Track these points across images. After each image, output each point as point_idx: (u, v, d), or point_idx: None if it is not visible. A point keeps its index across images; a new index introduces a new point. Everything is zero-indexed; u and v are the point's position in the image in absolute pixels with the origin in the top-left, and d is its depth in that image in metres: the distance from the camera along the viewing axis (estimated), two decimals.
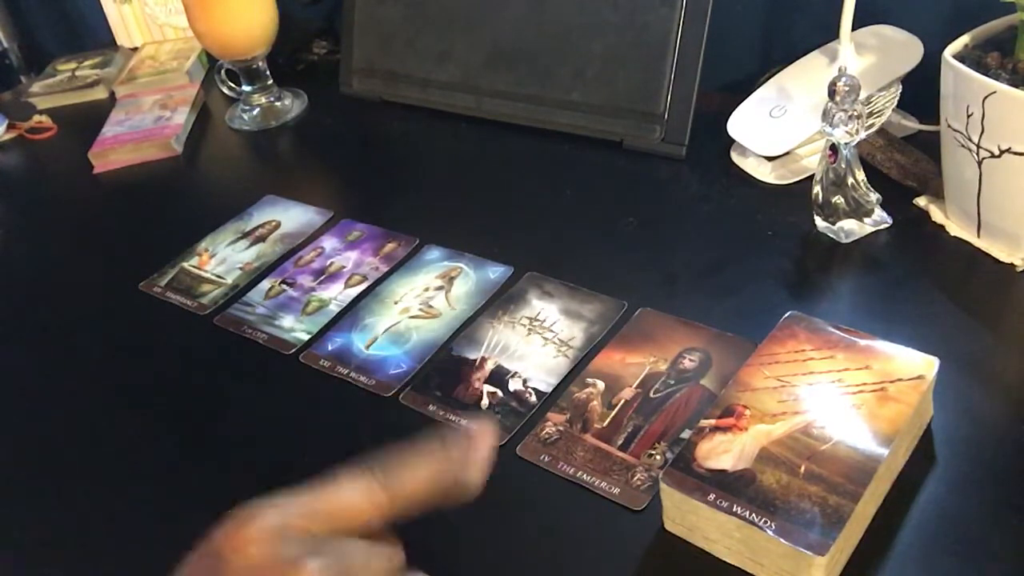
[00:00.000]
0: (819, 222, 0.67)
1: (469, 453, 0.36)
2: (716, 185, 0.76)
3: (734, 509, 0.44)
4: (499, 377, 0.60)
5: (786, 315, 0.54)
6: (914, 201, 0.68)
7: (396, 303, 0.69)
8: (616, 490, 0.51)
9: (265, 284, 0.74)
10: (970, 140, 0.58)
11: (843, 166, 0.63)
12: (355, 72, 0.99)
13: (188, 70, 1.11)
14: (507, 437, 0.55)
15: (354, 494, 0.35)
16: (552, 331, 0.63)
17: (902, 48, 0.73)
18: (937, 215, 0.66)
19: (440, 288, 0.69)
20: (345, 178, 0.91)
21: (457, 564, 0.48)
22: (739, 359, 0.54)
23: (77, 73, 1.17)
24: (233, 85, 1.00)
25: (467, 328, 0.65)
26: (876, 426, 0.46)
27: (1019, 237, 0.60)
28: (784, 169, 0.74)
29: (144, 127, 0.99)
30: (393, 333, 0.66)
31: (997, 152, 0.57)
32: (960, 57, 0.59)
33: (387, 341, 0.65)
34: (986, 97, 0.55)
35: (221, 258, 0.78)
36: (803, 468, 0.45)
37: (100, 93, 1.13)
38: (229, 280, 0.75)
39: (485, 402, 0.58)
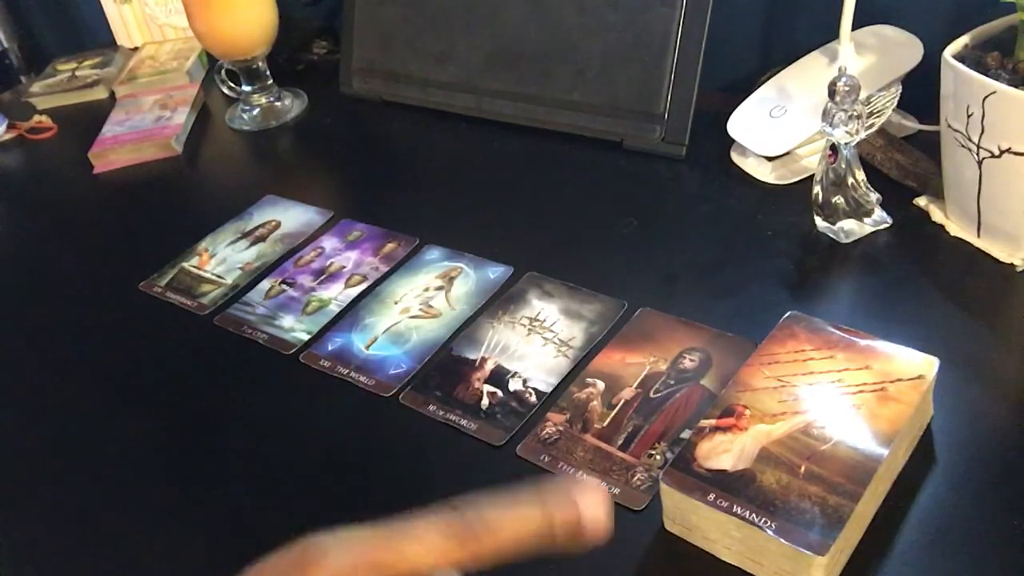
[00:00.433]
0: (819, 222, 0.67)
1: (578, 501, 0.32)
2: (716, 185, 0.76)
3: (734, 509, 0.44)
4: (499, 377, 0.60)
5: (786, 315, 0.54)
6: (914, 201, 0.68)
7: (396, 303, 0.69)
8: (616, 490, 0.51)
9: (265, 284, 0.74)
10: (970, 140, 0.58)
11: (843, 166, 0.63)
12: (355, 72, 0.99)
13: (188, 70, 1.11)
14: (507, 437, 0.55)
15: (434, 537, 0.31)
16: (552, 331, 0.63)
17: (902, 48, 0.73)
18: (937, 215, 0.66)
19: (440, 288, 0.69)
20: (345, 178, 0.91)
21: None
22: (739, 359, 0.54)
23: (77, 73, 1.17)
24: (233, 85, 1.00)
25: (467, 328, 0.65)
26: (876, 426, 0.46)
27: (1019, 237, 0.60)
28: (784, 169, 0.74)
29: (144, 127, 0.99)
30: (393, 333, 0.66)
31: (997, 152, 0.57)
32: (960, 57, 0.59)
33: (387, 341, 0.65)
34: (986, 97, 0.55)
35: (221, 258, 0.78)
36: (803, 468, 0.45)
37: (100, 93, 1.13)
38: (229, 280, 0.75)
39: (485, 402, 0.58)
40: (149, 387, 0.66)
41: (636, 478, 0.51)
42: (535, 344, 0.62)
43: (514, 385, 0.59)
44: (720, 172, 0.77)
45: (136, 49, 1.22)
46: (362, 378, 0.62)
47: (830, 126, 0.62)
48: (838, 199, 0.64)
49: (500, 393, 0.59)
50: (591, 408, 0.56)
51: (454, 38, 0.91)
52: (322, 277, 0.73)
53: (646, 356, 0.59)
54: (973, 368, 0.54)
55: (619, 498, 0.50)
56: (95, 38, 1.29)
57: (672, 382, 0.57)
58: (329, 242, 0.77)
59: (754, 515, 0.43)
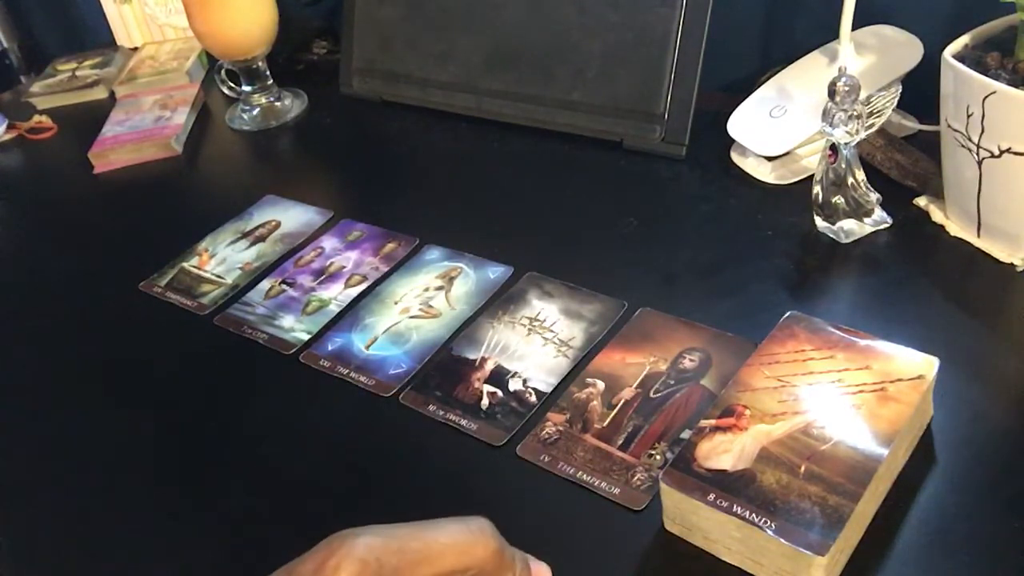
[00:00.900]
0: (819, 222, 0.67)
1: None
2: (716, 185, 0.76)
3: (734, 509, 0.44)
4: (499, 377, 0.60)
5: (786, 315, 0.54)
6: (914, 201, 0.68)
7: (396, 303, 0.69)
8: (616, 490, 0.51)
9: (265, 284, 0.74)
10: (970, 140, 0.58)
11: (843, 166, 0.63)
12: (355, 72, 0.99)
13: (188, 70, 1.11)
14: (507, 437, 0.55)
15: (458, 537, 0.33)
16: (552, 331, 0.63)
17: (902, 48, 0.73)
18: (937, 215, 0.66)
19: (440, 288, 0.69)
20: (345, 178, 0.91)
21: None
22: (739, 359, 0.54)
23: (77, 73, 1.17)
24: (233, 85, 1.00)
25: (467, 328, 0.65)
26: (876, 426, 0.46)
27: (1019, 237, 0.60)
28: (784, 169, 0.74)
29: (144, 127, 0.99)
30: (393, 333, 0.66)
31: (997, 152, 0.57)
32: (960, 57, 0.59)
33: (387, 341, 0.65)
34: (986, 97, 0.55)
35: (221, 258, 0.78)
36: (803, 468, 0.45)
37: (100, 93, 1.13)
38: (229, 280, 0.75)
39: (485, 402, 0.58)
40: (149, 387, 0.66)
41: (636, 478, 0.51)
42: (535, 344, 0.62)
43: (514, 385, 0.59)
44: (720, 172, 0.77)
45: (136, 49, 1.22)
46: (362, 378, 0.62)
47: (830, 126, 0.62)
48: (838, 199, 0.64)
49: (500, 393, 0.59)
50: (591, 408, 0.56)
51: (454, 38, 0.91)
52: (322, 277, 0.73)
53: (646, 356, 0.59)
54: (973, 368, 0.54)
55: (619, 498, 0.50)
56: (95, 38, 1.29)
57: (672, 382, 0.57)
58: (329, 242, 0.77)
59: (754, 515, 0.43)
